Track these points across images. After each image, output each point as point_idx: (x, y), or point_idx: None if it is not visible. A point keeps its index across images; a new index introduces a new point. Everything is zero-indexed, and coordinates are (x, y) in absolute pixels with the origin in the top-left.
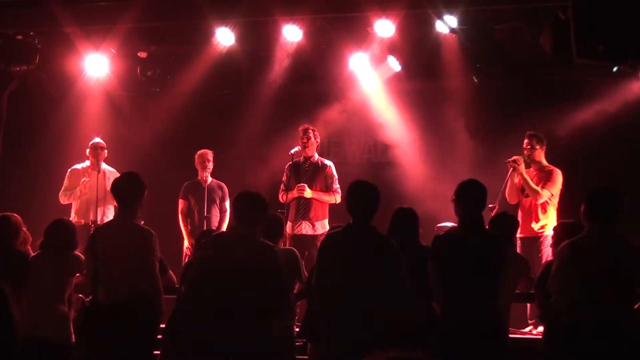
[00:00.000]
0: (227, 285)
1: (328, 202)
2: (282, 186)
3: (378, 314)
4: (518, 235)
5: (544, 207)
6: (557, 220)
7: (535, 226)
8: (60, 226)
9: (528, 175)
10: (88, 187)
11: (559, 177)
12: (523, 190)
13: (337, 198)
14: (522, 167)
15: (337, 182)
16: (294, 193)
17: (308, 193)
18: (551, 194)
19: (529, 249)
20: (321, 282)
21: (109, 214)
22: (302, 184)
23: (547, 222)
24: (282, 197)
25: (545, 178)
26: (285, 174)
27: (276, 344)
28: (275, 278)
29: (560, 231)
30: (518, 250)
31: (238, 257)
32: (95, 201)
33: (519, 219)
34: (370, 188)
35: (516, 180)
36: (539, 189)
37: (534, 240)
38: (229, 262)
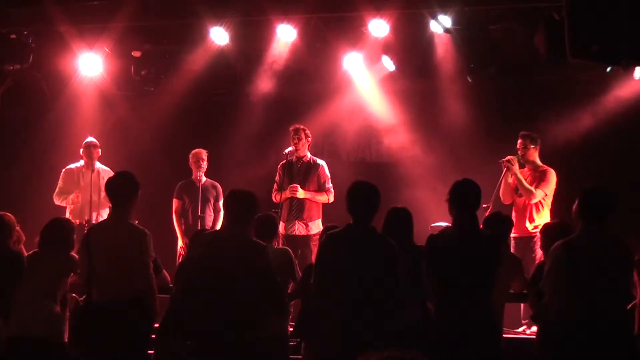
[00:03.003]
0: (220, 285)
1: (321, 201)
2: (275, 186)
3: (376, 313)
4: (512, 235)
5: (538, 207)
6: (551, 220)
7: (529, 226)
8: (57, 225)
9: (522, 175)
10: (82, 187)
11: (552, 177)
12: (517, 190)
13: (330, 197)
14: (516, 167)
15: (329, 181)
16: (287, 193)
17: (301, 194)
18: (545, 194)
19: (523, 249)
20: (320, 281)
21: (104, 213)
22: (294, 185)
23: (541, 222)
24: (275, 197)
25: (539, 178)
26: (278, 173)
27: (270, 343)
28: (268, 276)
29: (547, 233)
30: (512, 250)
31: (230, 256)
32: (89, 201)
33: (513, 219)
34: (371, 189)
35: (510, 180)
36: (532, 188)
37: (528, 240)
38: (222, 261)
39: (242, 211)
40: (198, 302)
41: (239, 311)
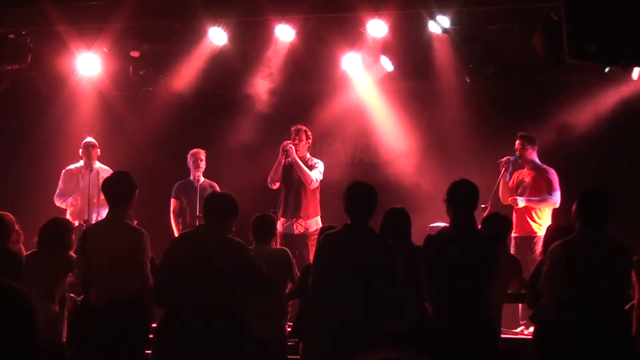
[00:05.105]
0: (197, 285)
1: (307, 177)
2: (270, 174)
3: (373, 314)
4: (513, 235)
5: None
6: (552, 219)
7: (530, 226)
8: (55, 225)
9: (522, 175)
10: (81, 188)
11: (555, 176)
12: (517, 189)
13: (314, 183)
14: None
15: (319, 173)
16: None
17: (294, 153)
18: (559, 193)
19: (524, 249)
20: (318, 282)
21: (104, 213)
22: (288, 143)
23: (542, 222)
24: (270, 183)
25: (545, 180)
26: (279, 157)
27: (258, 344)
28: (251, 273)
29: (552, 233)
30: (512, 250)
31: (204, 254)
32: (88, 201)
33: (514, 219)
34: (369, 189)
35: (509, 181)
36: (550, 200)
37: (529, 240)
38: (196, 258)
39: (221, 212)
40: (177, 303)
41: (220, 310)
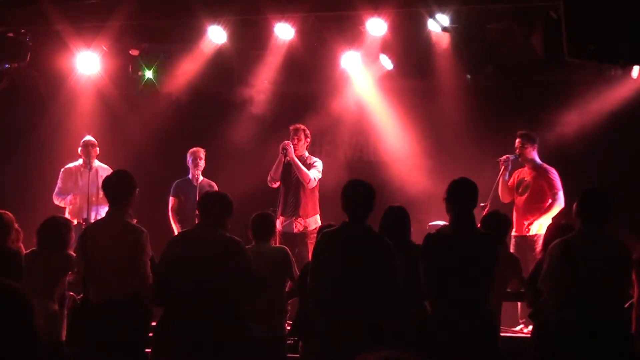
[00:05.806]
0: (196, 284)
1: (305, 176)
2: (270, 172)
3: (372, 313)
4: (512, 234)
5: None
6: (552, 218)
7: (529, 225)
8: (54, 224)
9: (523, 174)
10: (80, 186)
11: (556, 175)
12: (517, 188)
13: (312, 182)
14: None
15: (318, 172)
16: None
17: (292, 153)
18: (562, 192)
19: (523, 248)
20: (316, 280)
21: (103, 212)
22: (287, 142)
23: (542, 221)
24: (270, 182)
25: (546, 181)
26: (277, 160)
27: (257, 343)
28: (245, 272)
29: (552, 232)
30: (512, 248)
31: (204, 253)
32: (87, 199)
33: (514, 217)
34: (366, 187)
35: (509, 180)
36: (555, 205)
37: (528, 239)
38: (195, 257)
39: (217, 211)
40: (176, 301)
41: (218, 310)
